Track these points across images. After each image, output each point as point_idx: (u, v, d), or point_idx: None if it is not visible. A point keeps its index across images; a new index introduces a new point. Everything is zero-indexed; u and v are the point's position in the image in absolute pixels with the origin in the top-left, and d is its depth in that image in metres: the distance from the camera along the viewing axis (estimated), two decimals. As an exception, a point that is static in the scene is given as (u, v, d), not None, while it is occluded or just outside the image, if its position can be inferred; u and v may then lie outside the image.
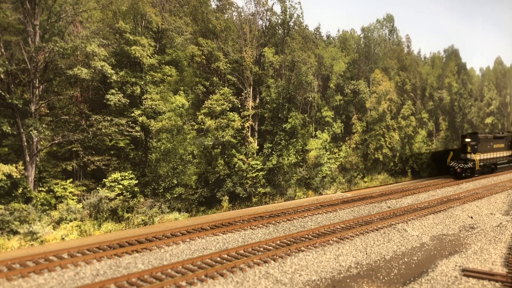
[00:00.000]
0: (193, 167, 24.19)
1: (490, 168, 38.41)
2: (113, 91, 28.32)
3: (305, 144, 30.39)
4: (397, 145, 49.01)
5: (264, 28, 44.05)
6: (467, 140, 36.37)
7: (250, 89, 39.38)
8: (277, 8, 44.73)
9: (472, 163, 35.17)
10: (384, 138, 48.93)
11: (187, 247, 14.57)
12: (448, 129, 66.26)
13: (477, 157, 35.77)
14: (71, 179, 20.37)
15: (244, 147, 35.26)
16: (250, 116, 39.03)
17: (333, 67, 45.53)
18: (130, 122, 29.64)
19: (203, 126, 34.91)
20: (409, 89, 57.36)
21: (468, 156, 35.81)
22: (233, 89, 38.15)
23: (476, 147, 35.78)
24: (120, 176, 21.91)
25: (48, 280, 11.31)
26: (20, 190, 19.85)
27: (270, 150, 36.41)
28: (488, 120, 69.96)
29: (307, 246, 14.95)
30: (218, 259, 13.36)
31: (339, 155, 33.96)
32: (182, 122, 33.27)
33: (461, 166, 35.34)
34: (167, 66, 31.91)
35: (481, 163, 36.44)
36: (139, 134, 29.58)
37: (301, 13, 47.96)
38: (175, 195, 22.57)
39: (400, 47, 61.22)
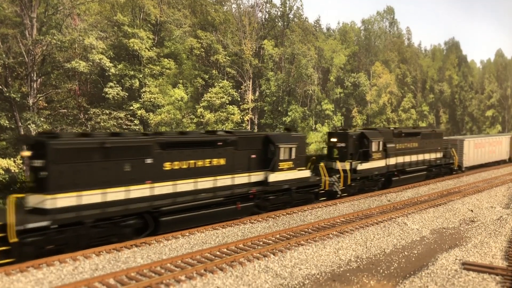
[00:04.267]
0: (193, 160, 23.95)
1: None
2: (111, 84, 28.21)
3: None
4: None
5: (264, 20, 43.77)
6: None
7: (249, 82, 39.20)
8: (277, 0, 44.14)
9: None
10: (384, 131, 48.84)
11: (186, 241, 14.52)
12: (449, 122, 66.21)
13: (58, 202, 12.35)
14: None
15: (243, 140, 35.10)
16: (250, 109, 38.91)
17: (333, 60, 45.28)
18: (129, 116, 29.58)
19: (202, 119, 34.84)
20: (410, 82, 57.15)
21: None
22: (232, 82, 37.98)
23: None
24: (119, 170, 21.77)
25: (47, 275, 11.25)
26: (18, 185, 19.78)
27: (269, 144, 36.00)
28: (489, 113, 69.78)
29: (307, 240, 14.89)
30: (218, 253, 13.30)
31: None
32: (181, 115, 33.18)
33: None
34: (166, 59, 31.73)
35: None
36: (138, 127, 29.52)
37: (301, 5, 47.32)
38: (174, 189, 22.31)
39: (401, 39, 60.92)
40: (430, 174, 29.35)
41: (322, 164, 21.40)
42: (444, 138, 33.67)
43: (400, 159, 25.79)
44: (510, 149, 41.86)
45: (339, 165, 22.09)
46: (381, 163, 24.06)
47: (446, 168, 31.57)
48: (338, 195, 21.76)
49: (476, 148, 34.78)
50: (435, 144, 29.80)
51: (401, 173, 26.07)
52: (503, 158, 40.65)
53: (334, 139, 23.21)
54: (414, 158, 27.26)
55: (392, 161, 25.01)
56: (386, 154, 24.36)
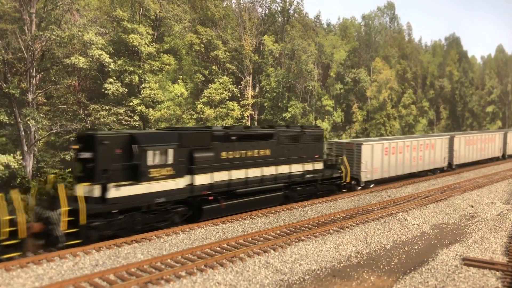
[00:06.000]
0: (193, 156, 23.88)
1: None
2: (111, 80, 28.10)
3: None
4: (398, 134, 48.86)
5: (264, 15, 43.59)
6: None
7: (249, 78, 39.08)
8: (277, -4, 43.80)
9: None
10: (385, 127, 48.75)
11: (187, 237, 14.52)
12: (449, 117, 66.08)
13: None
14: (70, 169, 20.20)
15: (243, 136, 35.02)
16: (250, 105, 38.82)
17: (333, 56, 45.12)
18: (128, 112, 29.49)
19: (202, 115, 34.75)
20: (410, 78, 56.97)
21: None
22: (232, 78, 37.86)
23: None
24: (119, 166, 21.74)
25: (47, 271, 11.25)
26: (18, 180, 19.76)
27: (270, 140, 35.92)
28: (489, 109, 69.61)
29: (307, 235, 14.89)
30: (218, 249, 13.30)
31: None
32: (181, 111, 33.09)
33: None
34: (165, 55, 31.59)
35: None
36: (137, 123, 29.45)
37: (301, 0, 47.03)
38: (174, 185, 22.28)
39: (401, 35, 60.70)
40: (294, 194, 19.94)
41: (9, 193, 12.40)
42: (337, 141, 26.73)
43: (224, 176, 16.67)
44: (450, 154, 32.32)
45: (61, 192, 12.69)
46: (172, 184, 14.96)
47: (329, 184, 21.86)
48: (60, 245, 12.47)
49: (387, 155, 25.24)
50: (306, 150, 20.44)
51: (228, 197, 16.85)
52: (437, 166, 30.38)
53: (76, 146, 14.18)
54: (256, 172, 17.91)
55: (202, 179, 15.92)
56: (190, 169, 15.56)
